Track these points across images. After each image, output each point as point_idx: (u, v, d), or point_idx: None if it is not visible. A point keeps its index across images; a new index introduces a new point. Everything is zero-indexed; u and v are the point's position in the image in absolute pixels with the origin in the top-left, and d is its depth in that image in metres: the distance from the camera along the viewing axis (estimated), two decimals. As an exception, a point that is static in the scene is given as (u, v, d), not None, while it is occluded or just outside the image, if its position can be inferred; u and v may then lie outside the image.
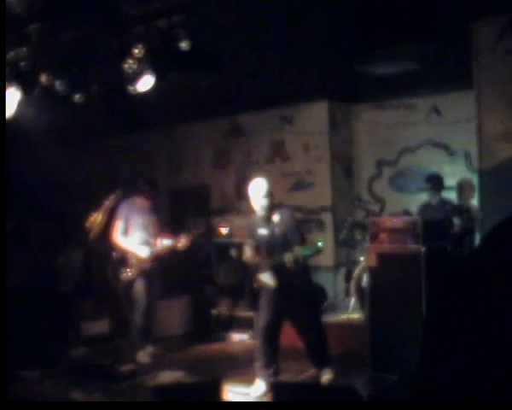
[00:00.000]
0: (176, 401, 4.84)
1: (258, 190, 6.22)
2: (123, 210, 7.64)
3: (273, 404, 3.36)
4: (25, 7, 5.30)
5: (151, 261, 7.53)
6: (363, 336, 6.75)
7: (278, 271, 6.19)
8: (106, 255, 7.73)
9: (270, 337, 6.40)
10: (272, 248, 6.22)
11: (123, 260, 7.50)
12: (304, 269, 6.42)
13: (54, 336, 7.81)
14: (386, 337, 6.40)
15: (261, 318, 6.50)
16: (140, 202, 7.70)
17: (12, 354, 6.57)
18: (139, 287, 7.53)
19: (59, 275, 9.17)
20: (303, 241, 6.26)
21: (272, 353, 6.42)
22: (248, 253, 6.47)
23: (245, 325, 8.68)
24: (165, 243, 7.52)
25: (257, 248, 6.45)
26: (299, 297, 6.35)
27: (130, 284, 7.53)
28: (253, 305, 7.16)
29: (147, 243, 7.56)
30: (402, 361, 6.16)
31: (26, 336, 7.27)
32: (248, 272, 6.61)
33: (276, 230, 6.21)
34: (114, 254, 7.54)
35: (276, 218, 6.25)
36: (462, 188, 8.66)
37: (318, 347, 6.52)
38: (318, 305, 7.43)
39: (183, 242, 7.46)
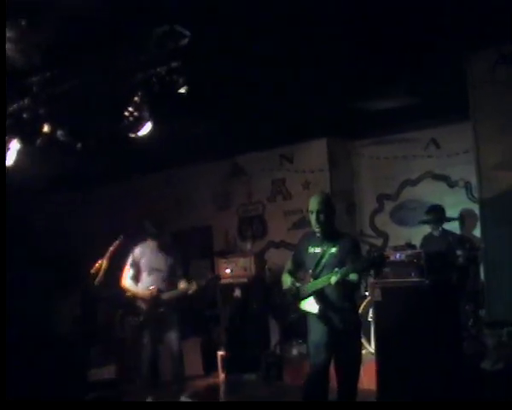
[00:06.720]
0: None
1: (313, 204, 5.41)
2: (133, 255, 7.45)
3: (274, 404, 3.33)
4: (25, 60, 5.41)
5: (160, 307, 7.22)
6: (370, 370, 6.72)
7: (323, 296, 5.33)
8: (113, 301, 7.62)
9: (321, 382, 5.32)
10: (321, 269, 5.36)
11: (132, 306, 7.35)
12: (353, 305, 5.60)
13: (59, 383, 7.71)
14: (394, 371, 6.37)
15: (311, 358, 5.41)
16: (151, 243, 7.49)
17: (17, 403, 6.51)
18: (147, 333, 7.32)
19: (58, 320, 9.11)
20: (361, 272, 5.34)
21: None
22: (289, 280, 5.54)
23: (253, 364, 8.67)
24: (174, 292, 7.28)
25: (297, 269, 5.66)
26: (347, 335, 5.31)
27: (138, 329, 7.40)
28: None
29: (158, 286, 7.29)
30: (410, 395, 6.14)
31: (30, 384, 7.19)
32: (285, 302, 5.66)
33: (333, 250, 5.34)
34: (124, 299, 7.40)
35: (334, 239, 5.41)
36: (464, 218, 8.69)
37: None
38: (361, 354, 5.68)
39: (193, 288, 7.21)
